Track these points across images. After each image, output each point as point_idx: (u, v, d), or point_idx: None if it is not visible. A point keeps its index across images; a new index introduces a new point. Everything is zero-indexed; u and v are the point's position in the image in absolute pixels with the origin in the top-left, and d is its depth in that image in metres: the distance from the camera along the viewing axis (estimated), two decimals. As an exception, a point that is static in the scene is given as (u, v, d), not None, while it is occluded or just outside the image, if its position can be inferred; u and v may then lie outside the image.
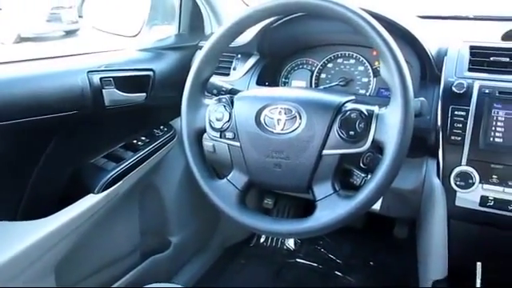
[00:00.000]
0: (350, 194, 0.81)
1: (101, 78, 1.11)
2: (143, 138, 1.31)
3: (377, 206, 1.12)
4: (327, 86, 1.26)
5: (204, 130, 0.92)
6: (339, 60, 1.28)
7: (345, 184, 0.87)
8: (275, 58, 1.31)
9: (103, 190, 1.13)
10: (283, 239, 1.91)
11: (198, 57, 0.91)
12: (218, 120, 0.89)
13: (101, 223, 1.19)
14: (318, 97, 0.87)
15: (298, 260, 1.83)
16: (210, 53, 0.91)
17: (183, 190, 1.46)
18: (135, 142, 1.29)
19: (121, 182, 1.17)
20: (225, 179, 0.90)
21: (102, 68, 1.14)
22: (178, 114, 0.94)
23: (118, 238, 1.30)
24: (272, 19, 1.17)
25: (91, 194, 1.12)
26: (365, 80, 1.23)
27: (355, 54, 1.25)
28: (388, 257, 1.77)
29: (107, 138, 1.24)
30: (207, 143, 1.27)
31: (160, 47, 1.36)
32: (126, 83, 1.17)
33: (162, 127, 1.37)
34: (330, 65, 1.28)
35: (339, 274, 1.74)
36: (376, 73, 1.20)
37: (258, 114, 0.86)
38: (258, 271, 1.78)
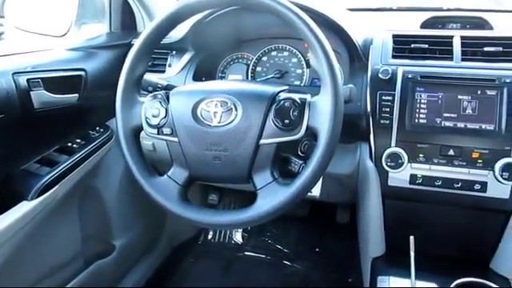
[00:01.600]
0: (289, 181, 0.84)
1: (28, 80, 1.06)
2: (78, 141, 1.26)
3: (316, 193, 1.16)
4: (263, 78, 1.29)
5: (141, 128, 0.91)
6: (273, 53, 1.31)
7: (284, 172, 0.89)
8: (211, 53, 1.32)
9: (38, 197, 1.08)
10: (231, 234, 1.92)
11: (130, 54, 0.90)
12: (154, 116, 0.88)
13: (38, 231, 1.13)
14: (253, 88, 0.89)
15: (247, 253, 1.85)
16: (141, 49, 0.90)
17: (124, 192, 1.43)
18: (70, 144, 1.24)
19: (57, 187, 1.13)
20: (165, 176, 0.90)
21: (29, 69, 1.08)
22: (115, 114, 0.92)
23: (58, 244, 1.25)
24: (204, 14, 1.17)
25: (24, 202, 1.07)
26: (299, 71, 1.27)
27: (288, 47, 1.29)
28: (332, 242, 1.84)
29: (39, 142, 1.18)
30: (146, 142, 1.25)
31: (91, 46, 1.32)
32: (56, 84, 1.12)
33: (98, 128, 1.33)
34: (264, 58, 1.31)
35: (287, 263, 1.79)
36: (309, 64, 1.24)
37: (195, 108, 0.87)
38: (207, 268, 1.78)
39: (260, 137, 0.84)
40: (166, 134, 0.88)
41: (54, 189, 1.12)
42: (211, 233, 1.94)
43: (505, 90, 0.97)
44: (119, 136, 0.91)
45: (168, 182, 0.89)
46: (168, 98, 0.90)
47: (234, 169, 0.86)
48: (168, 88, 1.02)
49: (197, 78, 1.26)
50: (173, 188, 0.89)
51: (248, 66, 1.31)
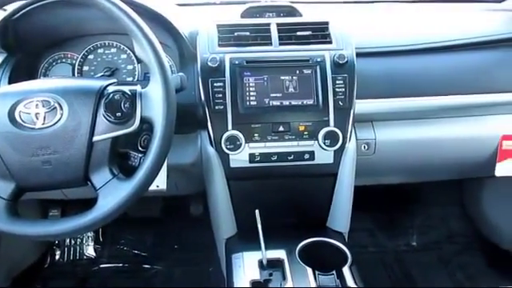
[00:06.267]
0: (130, 176, 0.82)
1: None
2: None
3: (163, 186, 1.15)
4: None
5: None
6: (100, 50, 1.24)
7: (125, 168, 0.87)
8: (28, 54, 1.19)
9: None
10: (81, 249, 1.79)
11: None
12: None
13: None
14: (77, 84, 0.84)
15: (102, 265, 1.75)
16: None
17: None
18: None
19: None
20: None
21: None
22: None
23: None
24: (12, 10, 1.06)
25: None
26: (130, 67, 1.24)
27: (115, 43, 1.24)
28: (190, 236, 1.85)
29: None
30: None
31: None
32: None
33: None
34: (91, 56, 1.24)
35: (147, 266, 1.74)
36: (139, 59, 1.22)
37: (11, 112, 0.79)
38: (59, 291, 1.63)
39: (92, 134, 0.80)
40: None
41: None
42: (58, 252, 1.78)
43: (317, 69, 1.09)
44: None
45: None
46: None
47: (68, 172, 0.80)
48: None
49: (14, 83, 1.12)
50: None
51: (73, 65, 1.23)
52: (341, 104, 1.08)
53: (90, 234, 1.83)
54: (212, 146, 1.09)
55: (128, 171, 0.85)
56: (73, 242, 1.82)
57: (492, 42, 1.23)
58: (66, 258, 1.77)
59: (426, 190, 1.92)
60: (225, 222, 1.18)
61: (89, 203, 0.82)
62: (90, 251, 1.80)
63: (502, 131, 1.24)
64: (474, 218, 1.88)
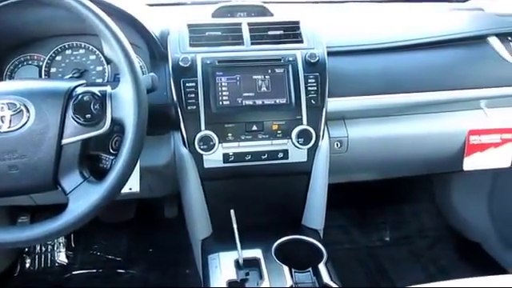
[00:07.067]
0: (102, 179, 0.80)
1: None
2: None
3: (137, 189, 1.13)
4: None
5: None
6: (68, 51, 1.21)
7: (96, 171, 0.85)
8: (-9, 56, 1.16)
9: None
10: (53, 256, 1.75)
11: None
12: None
13: None
14: (44, 85, 0.82)
15: (75, 272, 1.71)
16: None
17: None
18: None
19: None
20: None
21: None
22: None
23: None
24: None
25: None
26: (99, 69, 1.21)
27: (84, 44, 1.22)
28: (165, 239, 1.83)
29: None
30: None
31: None
32: None
33: None
34: (58, 58, 1.20)
35: (121, 271, 1.71)
36: (109, 60, 1.20)
37: None
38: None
39: (61, 137, 0.78)
40: None
41: None
42: (29, 260, 1.73)
43: (289, 68, 1.10)
44: None
45: None
46: None
47: (36, 176, 0.78)
48: None
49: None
50: None
51: (40, 67, 1.19)
52: (313, 102, 1.09)
53: (62, 240, 1.79)
54: (185, 146, 1.08)
55: (99, 174, 0.83)
56: (43, 248, 1.77)
57: (457, 40, 1.26)
58: (36, 266, 1.72)
59: (398, 186, 1.96)
60: (200, 223, 1.17)
61: (59, 209, 0.80)
62: (61, 258, 1.76)
63: (469, 126, 1.27)
64: (445, 212, 1.93)
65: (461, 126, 1.28)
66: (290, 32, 1.17)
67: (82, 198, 0.78)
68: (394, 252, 1.88)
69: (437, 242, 1.92)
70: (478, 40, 1.28)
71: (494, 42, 1.27)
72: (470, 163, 1.30)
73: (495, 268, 1.67)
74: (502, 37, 1.29)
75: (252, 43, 1.13)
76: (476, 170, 1.33)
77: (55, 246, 1.78)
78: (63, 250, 1.77)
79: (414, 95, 1.20)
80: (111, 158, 0.86)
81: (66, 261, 1.75)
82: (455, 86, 1.23)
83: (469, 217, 1.81)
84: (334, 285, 0.98)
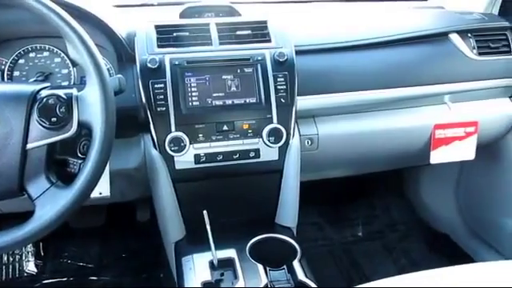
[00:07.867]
0: (70, 184, 0.78)
1: None
2: None
3: (107, 193, 1.11)
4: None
5: None
6: (31, 54, 1.18)
7: (64, 175, 0.83)
8: None
9: None
10: (21, 266, 1.69)
11: None
12: None
13: None
14: (7, 89, 0.80)
15: (45, 281, 1.66)
16: None
17: None
18: None
19: None
20: None
21: None
22: None
23: None
24: None
25: None
26: (65, 71, 1.19)
27: (48, 46, 1.18)
28: (138, 243, 1.80)
29: None
30: None
31: None
32: None
33: None
34: (21, 61, 1.17)
35: (94, 278, 1.68)
36: (74, 62, 1.17)
37: None
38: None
39: (26, 141, 0.76)
40: None
41: None
42: (-5, 271, 1.67)
43: (258, 67, 1.10)
44: None
45: None
46: None
47: (0, 182, 0.76)
48: None
49: None
50: None
51: (2, 71, 1.16)
52: (283, 101, 1.09)
53: (30, 249, 1.73)
54: (156, 148, 1.07)
55: (67, 179, 0.81)
56: (11, 258, 1.71)
57: (420, 38, 1.30)
58: (4, 277, 1.66)
59: (369, 182, 2.00)
60: (173, 226, 1.16)
61: (25, 216, 0.78)
62: (30, 267, 1.70)
63: (435, 121, 1.31)
64: (414, 205, 1.98)
65: (427, 120, 1.32)
66: (258, 32, 1.18)
67: (50, 203, 0.76)
68: (366, 247, 1.91)
69: (408, 235, 1.96)
70: (440, 37, 1.32)
71: (455, 38, 1.32)
72: (437, 157, 1.34)
73: (463, 258, 1.72)
74: (463, 34, 1.33)
75: (220, 43, 1.13)
76: (443, 164, 1.37)
77: (23, 255, 1.72)
78: (32, 258, 1.72)
79: (381, 92, 1.23)
80: (79, 162, 0.84)
81: (36, 270, 1.70)
82: (420, 82, 1.26)
83: (437, 209, 1.86)
84: (308, 281, 0.99)
